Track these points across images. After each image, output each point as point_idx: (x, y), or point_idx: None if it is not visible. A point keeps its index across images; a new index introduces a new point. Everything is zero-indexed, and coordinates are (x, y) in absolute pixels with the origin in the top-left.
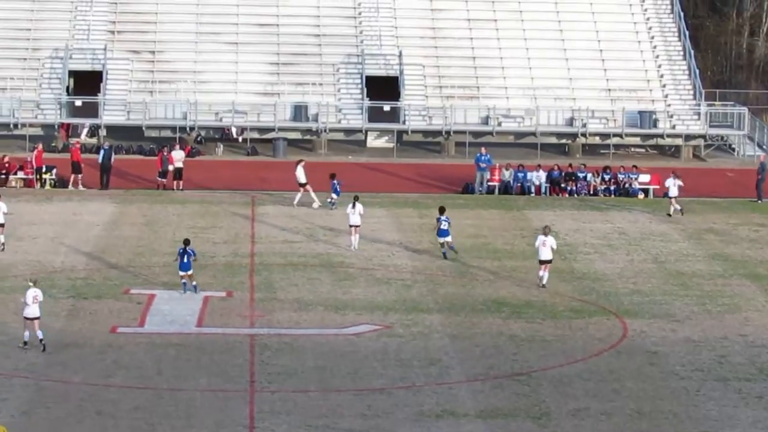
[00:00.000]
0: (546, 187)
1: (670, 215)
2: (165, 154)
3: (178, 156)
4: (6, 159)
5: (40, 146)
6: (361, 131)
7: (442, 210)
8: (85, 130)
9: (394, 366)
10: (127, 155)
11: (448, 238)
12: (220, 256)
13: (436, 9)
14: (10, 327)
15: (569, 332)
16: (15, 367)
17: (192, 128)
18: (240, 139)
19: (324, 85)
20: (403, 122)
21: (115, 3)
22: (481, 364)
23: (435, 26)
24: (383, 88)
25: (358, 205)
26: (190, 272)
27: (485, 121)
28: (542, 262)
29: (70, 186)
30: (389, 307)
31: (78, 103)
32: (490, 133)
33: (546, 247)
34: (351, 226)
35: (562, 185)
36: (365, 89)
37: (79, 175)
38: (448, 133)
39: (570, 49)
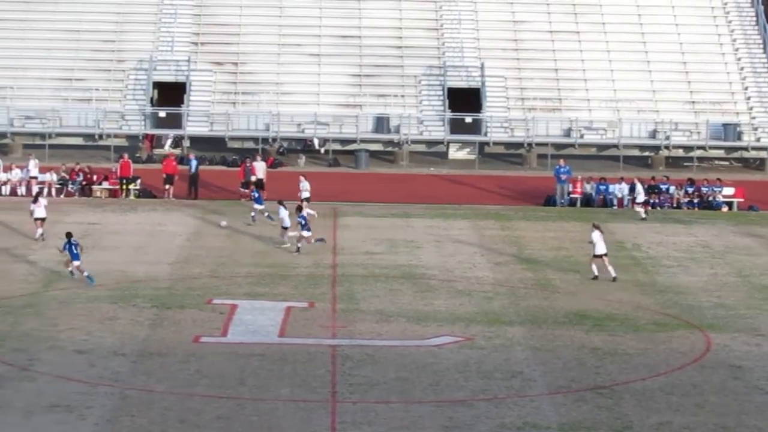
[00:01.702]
0: (628, 199)
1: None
2: (248, 165)
3: (260, 167)
4: (78, 167)
5: (126, 157)
6: (442, 143)
7: None
8: (169, 141)
9: (476, 378)
10: (210, 166)
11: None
12: (302, 267)
13: (519, 21)
14: (94, 335)
15: (652, 346)
16: (99, 375)
17: (274, 139)
18: (322, 150)
19: (406, 97)
20: (485, 134)
21: (199, 15)
22: (563, 377)
23: (517, 38)
24: (465, 100)
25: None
26: (79, 262)
27: (567, 133)
28: (601, 256)
29: (166, 196)
30: (471, 319)
31: (162, 114)
32: (573, 145)
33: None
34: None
35: (645, 198)
36: (447, 101)
37: (172, 187)
38: (529, 145)
39: (653, 61)
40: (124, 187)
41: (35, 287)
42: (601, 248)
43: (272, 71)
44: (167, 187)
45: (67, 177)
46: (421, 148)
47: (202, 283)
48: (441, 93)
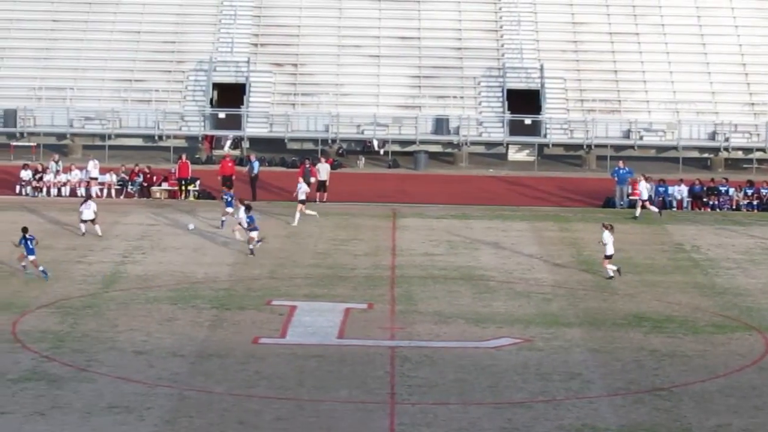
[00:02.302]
0: (688, 201)
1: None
2: (307, 166)
3: (323, 169)
4: (137, 168)
5: (184, 158)
6: (502, 144)
7: None
8: (229, 143)
9: (535, 380)
10: (269, 167)
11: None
12: (361, 269)
13: (578, 22)
14: (153, 336)
15: (711, 348)
16: (158, 376)
17: (334, 141)
18: (381, 151)
19: (465, 98)
20: (544, 135)
21: (259, 16)
22: (621, 379)
23: (576, 39)
24: (524, 102)
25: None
26: (34, 257)
27: (627, 134)
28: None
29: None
30: (529, 321)
31: (221, 115)
32: (632, 147)
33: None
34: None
35: (704, 200)
36: (506, 102)
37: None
38: (589, 146)
39: (713, 63)
40: (183, 188)
41: (95, 288)
42: (611, 249)
43: (332, 72)
44: (224, 188)
45: (127, 178)
46: (481, 149)
47: (261, 284)
48: (500, 94)
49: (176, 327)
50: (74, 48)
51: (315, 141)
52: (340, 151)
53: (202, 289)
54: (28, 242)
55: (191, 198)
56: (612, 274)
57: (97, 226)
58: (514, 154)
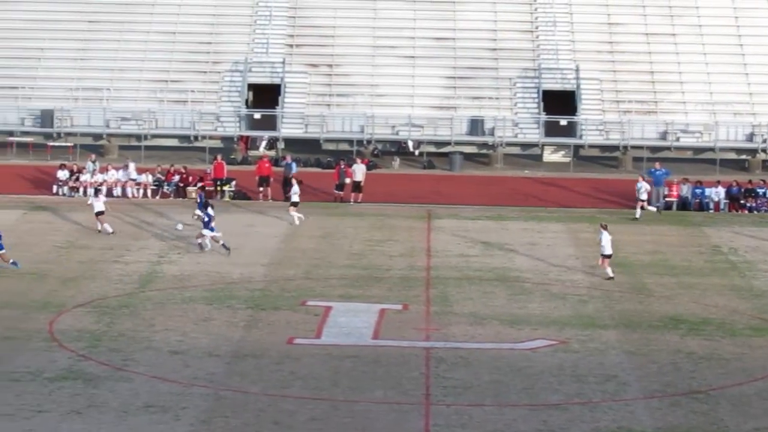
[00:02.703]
0: (725, 203)
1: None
2: (342, 167)
3: (358, 169)
4: (173, 168)
5: (220, 158)
6: (537, 145)
7: None
8: (264, 143)
9: (570, 381)
10: (304, 168)
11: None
12: (396, 269)
13: (614, 23)
14: (189, 336)
15: (748, 351)
16: (194, 376)
17: (369, 141)
18: (416, 152)
19: (500, 99)
20: (580, 137)
21: (294, 17)
22: (658, 381)
23: (612, 40)
24: (560, 103)
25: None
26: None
27: (663, 136)
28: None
29: (261, 198)
30: (565, 323)
31: (257, 116)
32: (668, 148)
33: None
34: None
35: (741, 202)
36: (542, 103)
37: (268, 189)
38: (625, 147)
39: (750, 64)
40: (219, 188)
41: (131, 288)
42: (608, 249)
43: (367, 73)
44: (261, 188)
45: (163, 178)
46: (516, 150)
47: (296, 284)
48: (536, 95)
49: (212, 327)
50: (111, 49)
51: (350, 142)
52: (376, 152)
53: (238, 289)
54: None
55: (227, 198)
56: (612, 274)
57: (106, 225)
58: (550, 155)
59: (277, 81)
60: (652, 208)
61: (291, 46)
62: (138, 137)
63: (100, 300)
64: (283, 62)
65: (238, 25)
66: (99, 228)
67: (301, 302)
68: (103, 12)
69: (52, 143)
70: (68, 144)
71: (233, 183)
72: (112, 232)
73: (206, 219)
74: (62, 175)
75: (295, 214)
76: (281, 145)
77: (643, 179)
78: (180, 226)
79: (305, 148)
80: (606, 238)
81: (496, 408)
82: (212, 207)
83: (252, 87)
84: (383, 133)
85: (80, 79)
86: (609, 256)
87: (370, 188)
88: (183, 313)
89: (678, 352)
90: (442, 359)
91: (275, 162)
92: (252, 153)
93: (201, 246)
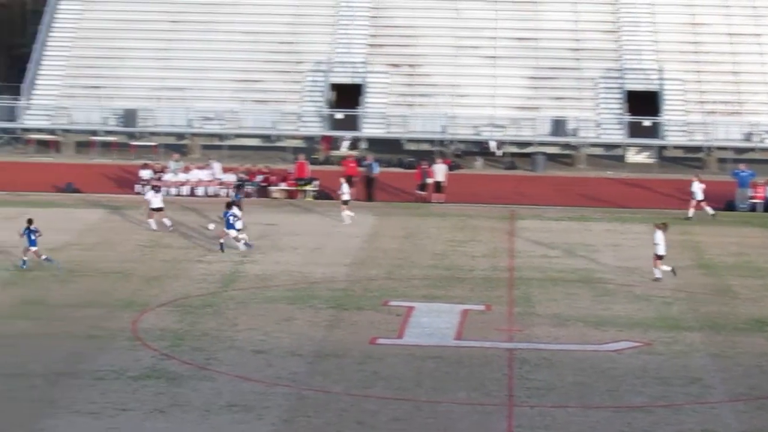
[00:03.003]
0: None
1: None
2: (424, 167)
3: (439, 170)
4: (256, 168)
5: (302, 158)
6: (620, 146)
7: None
8: (346, 143)
9: (654, 384)
10: (386, 168)
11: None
12: (478, 270)
13: (697, 23)
14: (272, 335)
15: None
16: (277, 375)
17: (451, 142)
18: (499, 152)
19: (583, 100)
20: (663, 137)
21: (375, 17)
22: (743, 384)
23: (696, 41)
24: (643, 103)
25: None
26: (35, 248)
27: (747, 137)
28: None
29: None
30: (649, 324)
31: (339, 115)
32: (753, 149)
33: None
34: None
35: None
36: (625, 104)
37: (352, 189)
38: (709, 148)
39: None
40: (301, 188)
41: (214, 287)
42: (663, 249)
43: (448, 73)
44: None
45: (246, 178)
46: (599, 151)
47: (378, 284)
48: (619, 96)
49: (294, 326)
50: (193, 48)
51: (432, 142)
52: (458, 153)
53: (320, 289)
54: (31, 234)
55: (309, 198)
56: (660, 275)
57: (165, 219)
58: (633, 156)
59: (358, 81)
60: (709, 210)
61: (372, 46)
62: (220, 137)
63: (183, 299)
64: (365, 62)
65: (320, 25)
66: (154, 226)
67: (384, 302)
68: (186, 12)
69: (135, 143)
70: (151, 143)
71: (316, 183)
72: (171, 228)
73: (230, 218)
74: (145, 174)
75: (347, 213)
76: (363, 145)
77: (698, 180)
78: (212, 226)
79: (387, 148)
80: (660, 238)
81: (580, 410)
82: (239, 207)
83: (334, 87)
84: (465, 133)
85: (163, 79)
86: (661, 257)
87: (452, 189)
88: (265, 313)
89: (764, 355)
90: (526, 360)
91: (357, 162)
92: (334, 153)
93: (222, 247)
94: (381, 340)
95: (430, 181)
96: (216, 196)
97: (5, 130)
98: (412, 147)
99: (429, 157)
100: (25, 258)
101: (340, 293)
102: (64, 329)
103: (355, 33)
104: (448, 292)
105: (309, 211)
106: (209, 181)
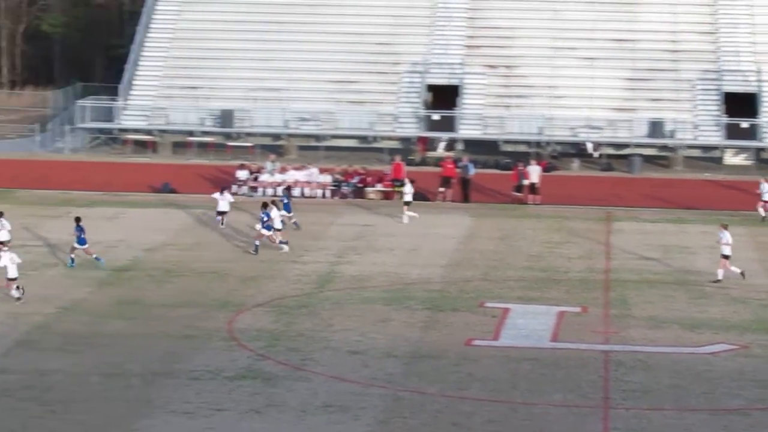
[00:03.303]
0: None
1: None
2: (520, 168)
3: (534, 171)
4: (352, 169)
5: (398, 159)
6: (717, 148)
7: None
8: (442, 144)
9: (751, 387)
10: (483, 169)
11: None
12: (574, 272)
13: None
14: (368, 336)
15: None
16: (373, 376)
17: (547, 143)
18: (595, 154)
19: (680, 101)
20: (761, 139)
21: (472, 18)
22: None
23: None
24: (741, 105)
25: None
26: (85, 246)
27: None
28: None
29: (440, 199)
30: (746, 327)
31: (435, 117)
32: None
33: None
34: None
35: None
36: (723, 106)
37: (449, 190)
38: None
39: None
40: (397, 189)
41: (309, 288)
42: (727, 249)
43: (545, 74)
44: (442, 189)
45: (342, 179)
46: (696, 153)
47: (474, 286)
48: (717, 97)
49: (390, 327)
50: (290, 49)
51: (528, 143)
52: (554, 154)
53: (416, 290)
54: (81, 232)
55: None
56: (721, 277)
57: (220, 217)
58: (731, 158)
59: (455, 82)
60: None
61: (469, 47)
62: (317, 137)
63: (278, 299)
64: (462, 63)
65: (416, 26)
66: (222, 224)
67: (480, 303)
68: (282, 13)
69: (232, 143)
70: (248, 144)
71: (412, 184)
72: (223, 226)
73: (265, 218)
74: (242, 174)
75: (409, 213)
76: (459, 146)
77: (766, 181)
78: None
79: (483, 149)
80: (726, 238)
81: (676, 412)
82: (276, 206)
83: (430, 88)
84: (562, 134)
85: (260, 80)
86: (727, 257)
87: (548, 190)
88: (361, 314)
89: None
90: (621, 363)
91: (455, 163)
92: (430, 154)
93: (256, 249)
94: (477, 342)
95: (526, 182)
96: (313, 197)
97: (102, 131)
98: (509, 148)
99: (525, 158)
100: (72, 256)
101: (436, 294)
102: (160, 329)
103: (452, 34)
104: (544, 294)
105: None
106: (306, 182)
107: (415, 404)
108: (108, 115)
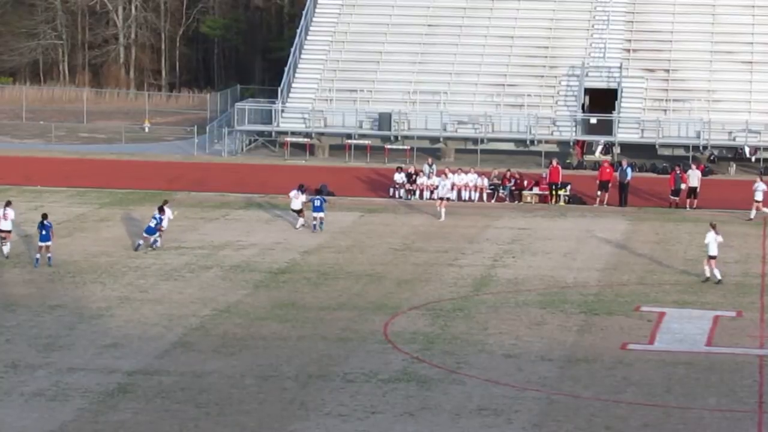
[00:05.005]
0: None
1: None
2: (678, 172)
3: (694, 175)
4: (509, 173)
5: (555, 162)
6: None
7: None
8: (600, 148)
9: None
10: (640, 173)
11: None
12: (730, 276)
13: None
14: (523, 340)
15: None
16: (527, 380)
17: (705, 147)
18: (753, 158)
19: None
20: None
21: (631, 22)
22: None
23: None
24: None
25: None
26: (48, 243)
27: None
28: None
29: (597, 203)
30: None
31: (593, 120)
32: None
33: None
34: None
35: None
36: None
37: (606, 194)
38: None
39: None
40: (554, 192)
41: (465, 291)
42: (714, 249)
43: (704, 78)
44: (600, 193)
45: (499, 182)
46: None
47: (630, 290)
48: None
49: (545, 331)
50: (448, 53)
51: (686, 147)
52: (712, 158)
53: (571, 293)
54: (44, 229)
55: (561, 203)
56: (708, 275)
57: (301, 219)
58: None
59: (613, 86)
60: (766, 210)
61: (628, 50)
62: (474, 141)
63: (434, 303)
64: (620, 67)
65: (575, 29)
66: (299, 224)
67: (635, 307)
68: (441, 16)
69: (389, 146)
70: (405, 147)
71: (568, 187)
72: (300, 227)
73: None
74: (399, 177)
75: (443, 210)
76: (617, 149)
77: (761, 180)
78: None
79: (640, 153)
80: (711, 238)
81: None
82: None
83: (588, 91)
84: (720, 138)
85: (418, 83)
86: (713, 257)
87: (705, 194)
88: (516, 317)
89: None
90: None
91: (613, 167)
92: (587, 158)
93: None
94: (632, 346)
95: (683, 186)
96: (470, 200)
97: (260, 134)
98: (666, 152)
99: (682, 162)
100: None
101: (592, 298)
102: (315, 331)
103: (611, 38)
104: (700, 298)
105: (563, 215)
106: (464, 185)
107: (569, 408)
108: (266, 117)
